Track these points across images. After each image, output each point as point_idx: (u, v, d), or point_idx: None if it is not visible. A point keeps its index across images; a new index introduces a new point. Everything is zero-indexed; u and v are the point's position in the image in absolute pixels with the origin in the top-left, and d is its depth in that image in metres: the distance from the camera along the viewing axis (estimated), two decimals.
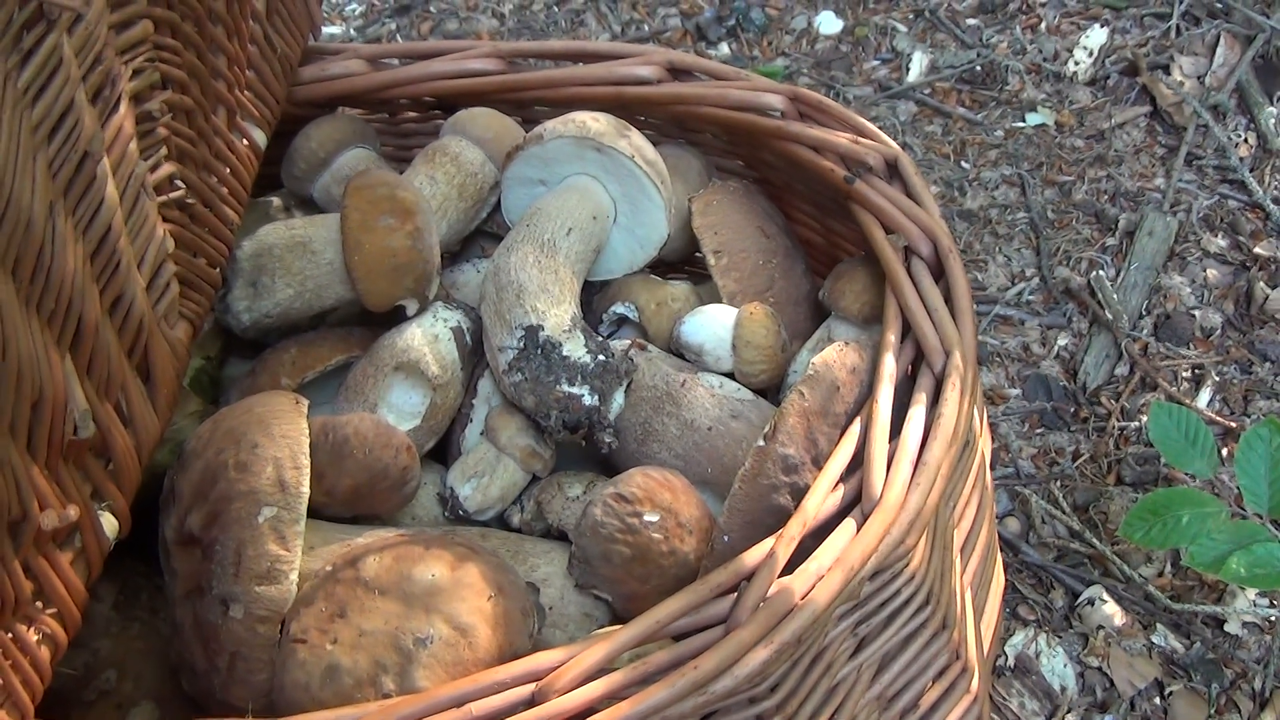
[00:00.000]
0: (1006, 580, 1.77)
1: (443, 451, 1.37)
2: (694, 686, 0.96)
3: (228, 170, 1.30)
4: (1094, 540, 1.83)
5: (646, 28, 2.86)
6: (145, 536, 1.19)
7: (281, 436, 1.13)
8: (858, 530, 1.04)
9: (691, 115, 1.48)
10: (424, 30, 2.92)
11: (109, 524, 1.05)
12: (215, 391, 1.44)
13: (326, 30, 2.84)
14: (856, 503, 1.07)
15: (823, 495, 1.07)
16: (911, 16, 2.78)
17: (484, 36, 2.89)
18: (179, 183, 1.17)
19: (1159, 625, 1.75)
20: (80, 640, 1.21)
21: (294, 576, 1.09)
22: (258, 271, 1.32)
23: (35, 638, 0.96)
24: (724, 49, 2.79)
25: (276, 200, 1.56)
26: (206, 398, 1.41)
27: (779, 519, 1.10)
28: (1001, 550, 1.82)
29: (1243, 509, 1.73)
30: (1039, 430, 2.03)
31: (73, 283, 0.94)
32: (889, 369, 1.16)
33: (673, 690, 0.95)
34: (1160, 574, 1.82)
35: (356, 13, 3.01)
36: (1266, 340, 2.09)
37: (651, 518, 1.15)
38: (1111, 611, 1.76)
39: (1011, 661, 1.73)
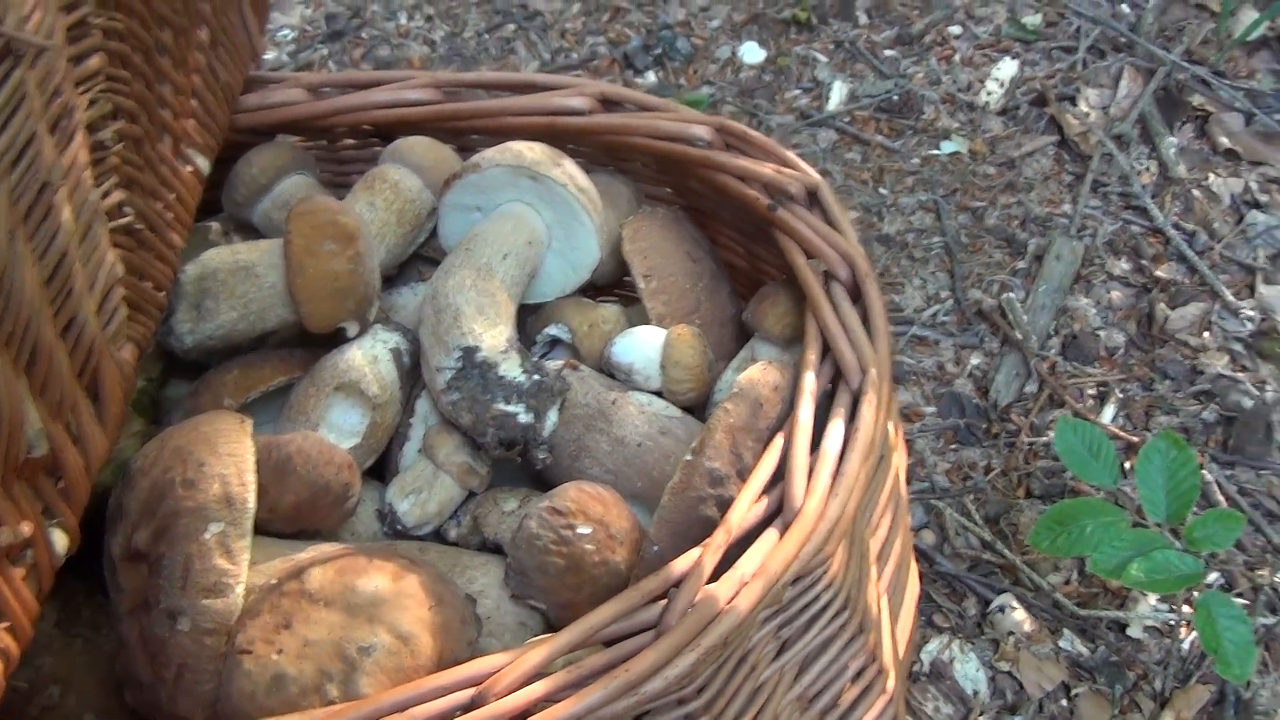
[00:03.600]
0: (922, 589, 1.84)
1: (382, 469, 1.42)
2: (627, 688, 1.01)
3: (173, 196, 1.34)
4: (1005, 550, 1.92)
5: (575, 56, 2.92)
6: (86, 555, 1.22)
7: (228, 454, 1.17)
8: (779, 539, 1.10)
9: (622, 145, 1.54)
10: (356, 56, 2.96)
11: (60, 540, 1.08)
12: (156, 412, 1.47)
13: None
14: (778, 513, 1.13)
15: (747, 506, 1.13)
16: (832, 47, 2.87)
17: (416, 63, 2.93)
18: (128, 209, 1.21)
19: (1065, 630, 1.84)
20: (23, 657, 1.23)
21: (240, 590, 1.13)
22: (201, 295, 1.36)
23: None
24: (650, 77, 2.86)
25: (216, 225, 1.59)
26: (148, 418, 1.45)
27: (706, 529, 1.16)
28: (918, 561, 1.89)
29: (1143, 518, 1.83)
30: (953, 446, 2.11)
31: (30, 307, 0.97)
32: (809, 386, 1.23)
33: (607, 691, 1.00)
34: (1067, 582, 1.90)
35: (289, 38, 3.04)
36: (1167, 359, 2.19)
37: (584, 530, 1.20)
38: (1021, 618, 1.85)
39: (927, 667, 1.80)
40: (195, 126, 1.42)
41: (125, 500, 1.19)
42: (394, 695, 1.00)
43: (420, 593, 1.13)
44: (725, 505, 1.17)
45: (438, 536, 1.36)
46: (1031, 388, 2.18)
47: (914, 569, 1.51)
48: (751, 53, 2.88)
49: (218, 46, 1.49)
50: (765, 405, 1.23)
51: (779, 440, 1.19)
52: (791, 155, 1.45)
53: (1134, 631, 1.83)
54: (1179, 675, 1.78)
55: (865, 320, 1.29)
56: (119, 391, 1.18)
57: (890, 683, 1.29)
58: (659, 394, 1.38)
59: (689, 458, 1.19)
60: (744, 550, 1.10)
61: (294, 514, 1.25)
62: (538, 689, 1.00)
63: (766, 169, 1.43)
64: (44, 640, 1.30)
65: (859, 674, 1.26)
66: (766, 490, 1.16)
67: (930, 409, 2.17)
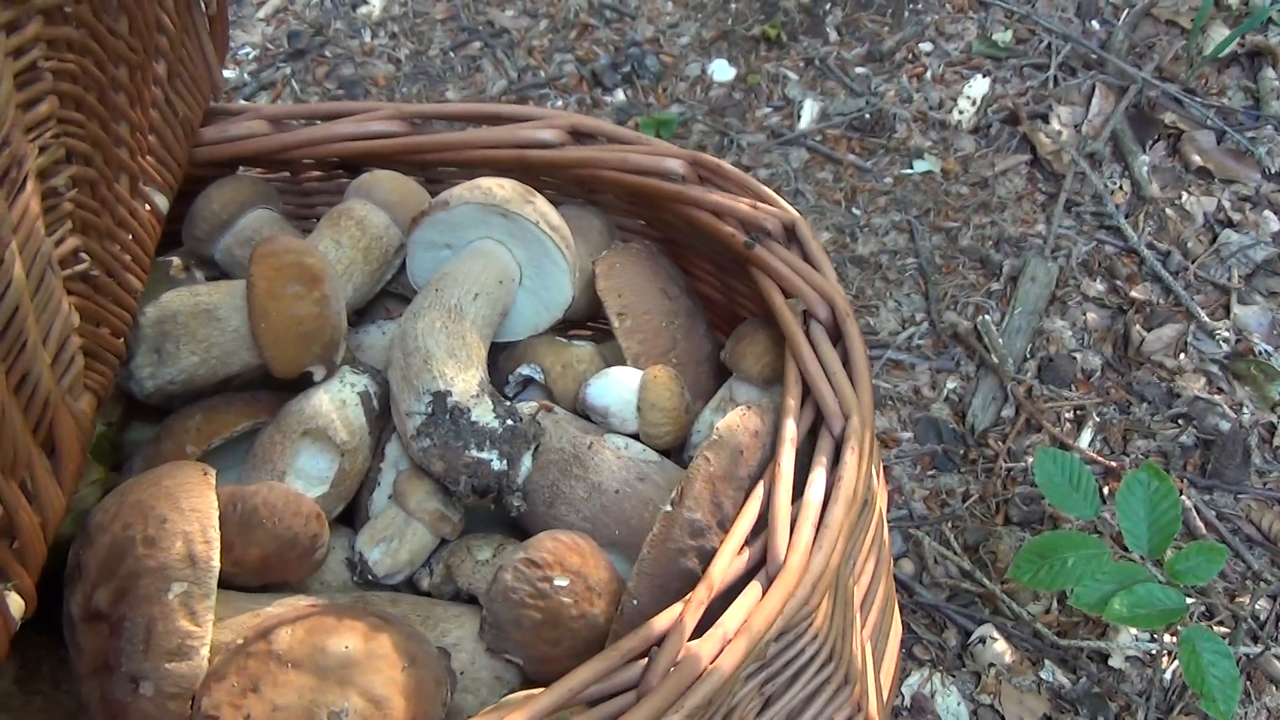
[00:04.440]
0: (903, 623, 1.82)
1: (351, 516, 1.38)
2: None
3: (130, 238, 1.29)
4: (984, 579, 1.89)
5: (543, 74, 2.89)
6: (45, 608, 1.17)
7: (190, 510, 1.13)
8: (763, 594, 1.07)
9: (593, 178, 1.51)
10: (319, 75, 2.92)
11: (15, 604, 1.03)
12: (116, 457, 1.43)
13: None
14: (761, 565, 1.10)
15: (729, 559, 1.10)
16: (802, 65, 2.85)
17: (380, 81, 2.89)
18: (83, 255, 1.16)
19: (1047, 661, 1.82)
20: None
21: (205, 652, 1.08)
22: (162, 338, 1.31)
23: None
24: (619, 95, 2.83)
25: (177, 260, 1.55)
26: (107, 463, 1.40)
27: (687, 582, 1.13)
28: (897, 591, 1.87)
29: (1124, 548, 1.81)
30: (930, 472, 2.09)
31: None
32: (790, 433, 1.20)
33: None
34: (1047, 611, 1.88)
35: (251, 56, 2.99)
36: (1143, 381, 2.18)
37: (561, 582, 1.17)
38: (1002, 649, 1.83)
39: (908, 702, 1.78)
40: (153, 164, 1.38)
41: (84, 558, 1.15)
42: None
43: (392, 653, 1.10)
44: (706, 557, 1.14)
45: (410, 586, 1.33)
46: (1009, 412, 2.16)
47: (897, 612, 1.49)
48: (721, 70, 2.86)
49: (175, 79, 1.45)
50: (746, 452, 1.20)
51: (760, 489, 1.16)
52: (768, 190, 1.42)
53: (1115, 662, 1.81)
54: (1161, 706, 1.76)
55: (846, 362, 1.26)
56: (76, 445, 1.14)
57: None
58: (635, 436, 1.35)
59: (668, 509, 1.16)
60: (726, 605, 1.07)
61: (261, 567, 1.21)
62: None
63: (742, 205, 1.40)
64: (2, 698, 1.26)
65: None
66: (748, 542, 1.13)
67: (907, 434, 2.14)
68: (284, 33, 3.05)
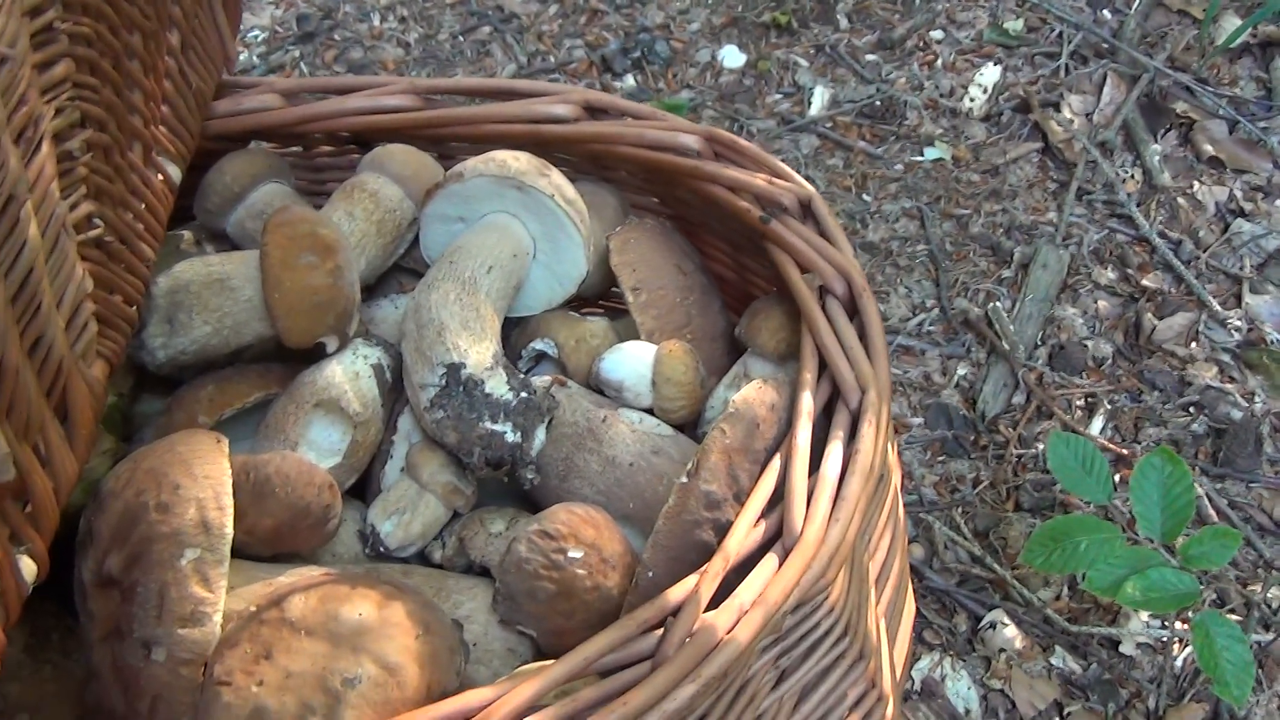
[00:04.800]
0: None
1: (363, 488, 1.37)
2: None
3: (144, 206, 1.29)
4: (995, 565, 1.89)
5: (552, 59, 2.88)
6: (55, 576, 1.16)
7: (204, 477, 1.12)
8: (779, 565, 1.07)
9: (608, 154, 1.50)
10: (329, 58, 2.91)
11: (28, 568, 1.03)
12: (127, 428, 1.42)
13: None
14: (778, 538, 1.10)
15: (745, 531, 1.10)
16: (813, 51, 2.84)
17: (389, 65, 2.88)
18: (97, 221, 1.16)
19: (1057, 647, 1.81)
20: None
21: (218, 618, 1.08)
22: (174, 308, 1.31)
23: None
24: (629, 81, 2.82)
25: (188, 234, 1.54)
26: (118, 434, 1.39)
27: (702, 554, 1.12)
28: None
29: (1136, 534, 1.80)
30: (941, 458, 2.08)
31: None
32: (806, 406, 1.19)
33: None
34: (1058, 597, 1.88)
35: (260, 39, 2.98)
36: (1155, 369, 2.17)
37: (575, 554, 1.16)
38: (1012, 635, 1.82)
39: (918, 686, 1.77)
40: (166, 133, 1.37)
41: (96, 524, 1.14)
42: None
43: (406, 620, 1.09)
44: (722, 530, 1.13)
45: (422, 558, 1.32)
46: (1019, 399, 2.15)
47: (910, 590, 1.48)
48: (731, 56, 2.85)
49: (189, 50, 1.44)
50: (762, 426, 1.19)
51: (776, 462, 1.15)
52: (783, 166, 1.42)
53: (1126, 648, 1.80)
54: (1173, 693, 1.75)
55: (862, 336, 1.26)
56: (89, 411, 1.13)
57: (890, 709, 1.25)
58: (649, 411, 1.34)
59: (684, 480, 1.15)
60: (742, 577, 1.06)
61: (273, 537, 1.20)
62: None
63: (758, 180, 1.39)
64: (11, 667, 1.25)
65: (858, 701, 1.22)
66: (764, 514, 1.12)
67: (917, 420, 2.14)
68: (293, 15, 3.04)
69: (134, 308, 1.26)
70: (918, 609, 1.86)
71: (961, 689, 1.77)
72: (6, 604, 1.00)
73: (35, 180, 1.00)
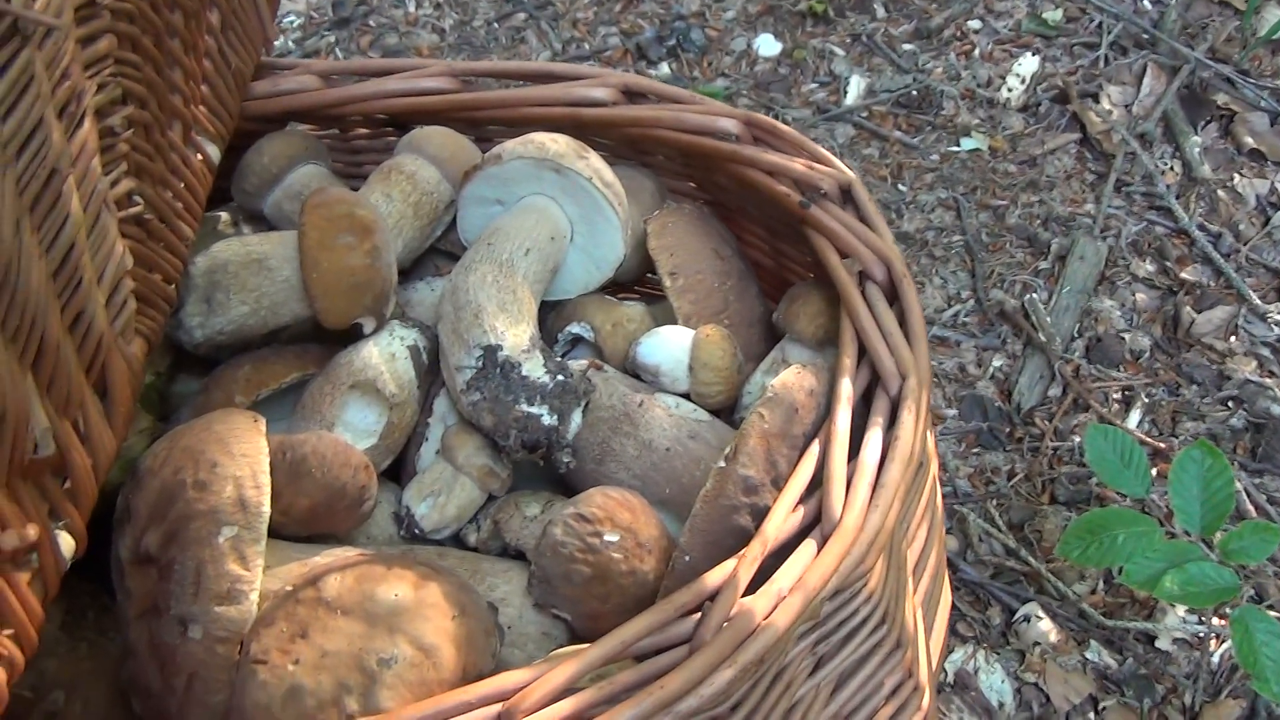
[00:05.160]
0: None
1: (398, 470, 1.37)
2: (660, 706, 0.96)
3: (183, 185, 1.28)
4: (1029, 558, 1.87)
5: (587, 46, 2.87)
6: (91, 554, 1.17)
7: (241, 455, 1.12)
8: (818, 551, 1.06)
9: (646, 137, 1.49)
10: (364, 44, 2.91)
11: (66, 544, 1.03)
12: (164, 408, 1.42)
13: None
14: (816, 523, 1.09)
15: (783, 516, 1.09)
16: (849, 40, 2.82)
17: (424, 51, 2.88)
18: (137, 198, 1.16)
19: (1092, 641, 1.79)
20: (27, 663, 1.19)
21: (254, 597, 1.08)
22: (212, 288, 1.31)
23: None
24: (664, 69, 2.81)
25: (225, 215, 1.55)
26: (155, 414, 1.40)
27: (739, 539, 1.11)
28: None
29: (1173, 528, 1.78)
30: (975, 450, 2.07)
31: (37, 300, 0.92)
32: (846, 392, 1.18)
33: (639, 710, 0.96)
34: (1093, 591, 1.86)
35: (295, 25, 2.98)
36: (1193, 363, 2.15)
37: (612, 538, 1.15)
38: (1047, 628, 1.80)
39: (951, 678, 1.76)
40: (206, 113, 1.37)
41: (134, 501, 1.14)
42: (417, 710, 0.96)
43: (443, 602, 1.09)
44: (760, 515, 1.12)
45: (456, 541, 1.32)
46: (1055, 391, 2.13)
47: (947, 580, 1.47)
48: (767, 45, 2.83)
49: (228, 31, 1.44)
50: (801, 411, 1.18)
51: (815, 448, 1.14)
52: (823, 151, 1.40)
53: (1162, 643, 1.78)
54: (1209, 689, 1.73)
55: (902, 322, 1.24)
56: (128, 388, 1.13)
57: (926, 699, 1.24)
58: (686, 396, 1.33)
59: (722, 465, 1.14)
60: (780, 562, 1.05)
61: (308, 517, 1.20)
62: (566, 706, 0.96)
63: (798, 165, 1.38)
64: (48, 644, 1.26)
65: (895, 690, 1.21)
66: (803, 500, 1.11)
67: (951, 412, 2.12)
68: (328, 1, 3.04)
69: (172, 286, 1.26)
70: (951, 601, 1.85)
71: (995, 682, 1.75)
72: (46, 579, 1.01)
73: (77, 155, 1.00)
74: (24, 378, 0.93)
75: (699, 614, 1.02)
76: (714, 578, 1.04)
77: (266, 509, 1.10)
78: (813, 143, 1.41)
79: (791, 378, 1.20)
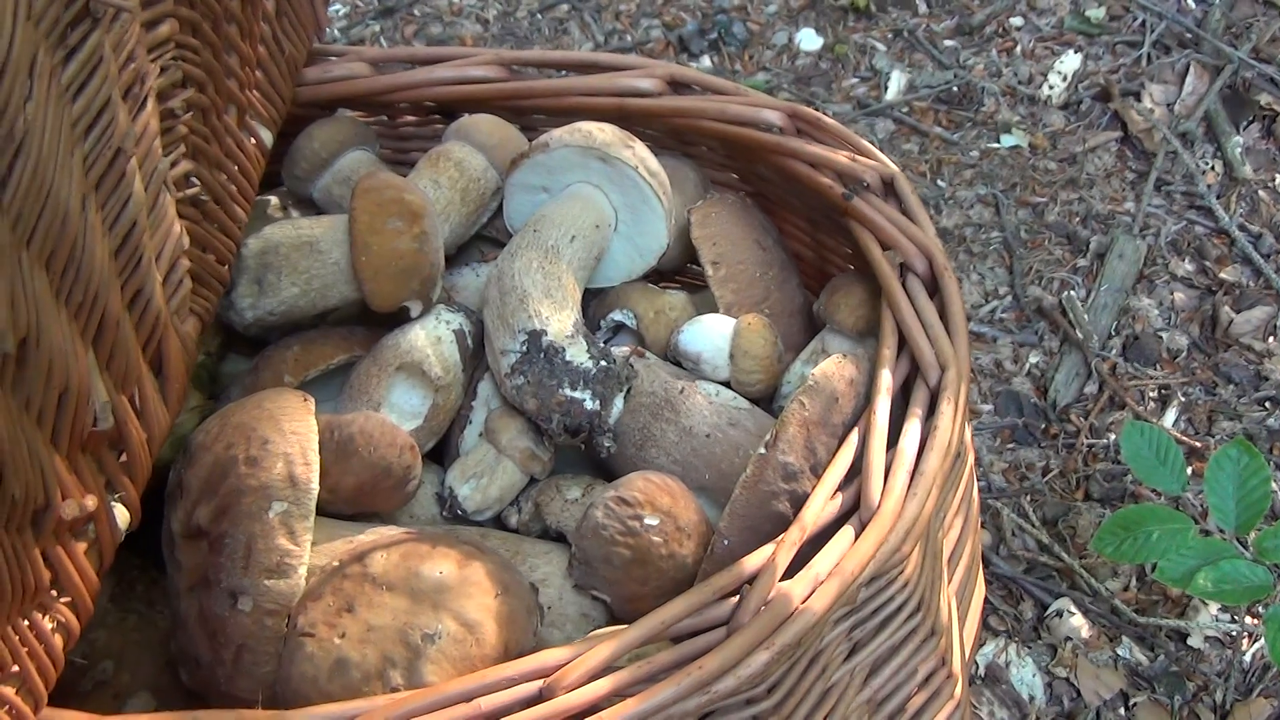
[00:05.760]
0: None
1: (441, 452, 1.39)
2: (697, 686, 0.98)
3: (237, 168, 1.31)
4: (1062, 554, 1.88)
5: (629, 38, 2.89)
6: (141, 530, 1.19)
7: (292, 433, 1.15)
8: (855, 537, 1.07)
9: (690, 128, 1.51)
10: (408, 34, 2.94)
11: (121, 515, 1.06)
12: (214, 387, 1.45)
13: None
14: (854, 510, 1.10)
15: (822, 503, 1.10)
16: (890, 36, 2.83)
17: (468, 41, 2.91)
18: (194, 180, 1.19)
19: (1124, 638, 1.80)
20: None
21: (303, 571, 1.10)
22: (264, 269, 1.33)
23: (50, 625, 0.97)
24: (705, 62, 2.82)
25: (275, 199, 1.57)
26: (205, 393, 1.43)
27: (778, 525, 1.13)
28: None
29: (1207, 525, 1.78)
30: (1010, 445, 2.07)
31: (100, 276, 0.95)
32: (886, 382, 1.19)
33: (677, 689, 0.98)
34: (1126, 588, 1.86)
35: (340, 14, 3.02)
36: (1230, 363, 2.14)
37: (652, 521, 1.17)
38: (1079, 624, 1.81)
39: (982, 671, 1.77)
40: (259, 98, 1.40)
41: (186, 476, 1.17)
42: (460, 685, 0.98)
43: (486, 580, 1.11)
44: (798, 501, 1.14)
45: (498, 523, 1.34)
46: (1092, 388, 2.14)
47: (980, 572, 1.48)
48: (809, 39, 2.84)
49: (282, 17, 1.47)
50: (840, 400, 1.19)
51: (854, 436, 1.16)
52: (866, 144, 1.42)
53: (1194, 641, 1.79)
54: (1240, 688, 1.74)
55: (943, 315, 1.26)
56: (182, 365, 1.16)
57: (958, 689, 1.26)
58: (726, 384, 1.35)
59: (762, 451, 1.16)
60: (818, 548, 1.07)
61: (355, 495, 1.22)
62: (606, 684, 0.98)
63: (841, 157, 1.39)
64: (99, 614, 1.29)
65: (928, 678, 1.23)
66: (842, 487, 1.13)
67: (987, 407, 2.13)
68: None
69: (226, 267, 1.29)
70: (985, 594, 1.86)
71: (1026, 676, 1.76)
72: (102, 549, 1.04)
73: (140, 136, 1.02)
74: (85, 352, 0.96)
75: (737, 597, 1.04)
76: (752, 562, 1.06)
77: (315, 486, 1.13)
78: (855, 135, 1.42)
79: (832, 367, 1.21)
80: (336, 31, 2.96)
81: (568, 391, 1.26)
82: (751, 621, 1.01)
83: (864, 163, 1.38)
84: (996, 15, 2.84)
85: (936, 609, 1.22)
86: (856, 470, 1.13)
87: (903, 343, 1.25)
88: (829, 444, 1.18)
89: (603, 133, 1.37)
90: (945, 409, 1.16)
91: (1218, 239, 2.36)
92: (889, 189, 1.37)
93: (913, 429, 1.15)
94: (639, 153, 1.38)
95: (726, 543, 1.15)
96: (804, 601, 1.03)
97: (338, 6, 3.03)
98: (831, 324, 1.39)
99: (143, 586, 1.35)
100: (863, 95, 2.71)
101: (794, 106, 1.45)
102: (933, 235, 1.31)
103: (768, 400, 1.40)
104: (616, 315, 1.44)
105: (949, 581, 1.28)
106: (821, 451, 1.17)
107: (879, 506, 1.08)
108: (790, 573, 1.05)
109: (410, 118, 1.69)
